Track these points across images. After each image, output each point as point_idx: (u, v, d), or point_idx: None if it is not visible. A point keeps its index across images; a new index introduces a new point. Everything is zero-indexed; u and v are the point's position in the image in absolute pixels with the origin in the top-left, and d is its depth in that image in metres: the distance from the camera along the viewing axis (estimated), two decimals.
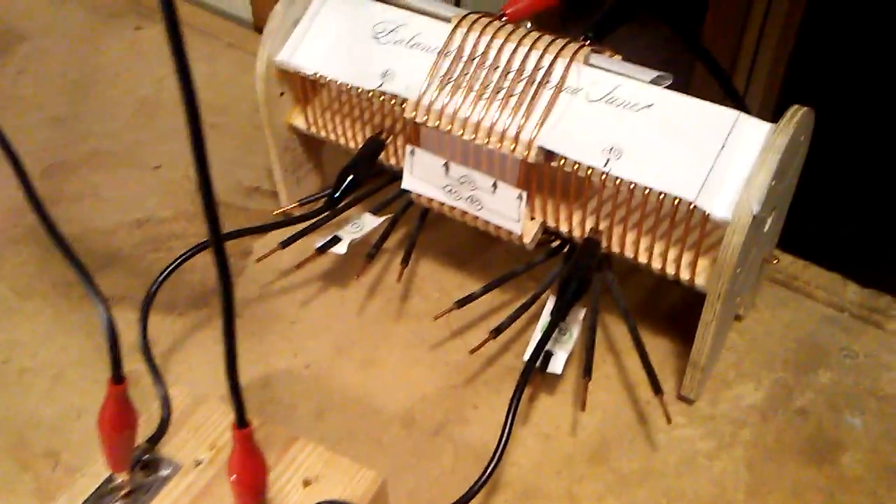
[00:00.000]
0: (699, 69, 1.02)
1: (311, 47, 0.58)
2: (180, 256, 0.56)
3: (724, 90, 0.67)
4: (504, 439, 0.46)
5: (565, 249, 0.57)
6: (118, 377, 0.39)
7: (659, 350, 0.58)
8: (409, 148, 0.54)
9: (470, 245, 0.65)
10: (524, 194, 0.51)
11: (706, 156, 0.47)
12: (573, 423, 0.53)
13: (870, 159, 1.00)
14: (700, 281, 0.49)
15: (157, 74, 0.85)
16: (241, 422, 0.36)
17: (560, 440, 0.52)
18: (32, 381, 0.56)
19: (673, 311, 0.61)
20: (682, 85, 0.50)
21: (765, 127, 0.46)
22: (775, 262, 0.54)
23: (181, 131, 0.27)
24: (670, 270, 0.50)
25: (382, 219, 0.60)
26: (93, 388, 0.55)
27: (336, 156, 0.63)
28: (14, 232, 0.67)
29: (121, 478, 0.44)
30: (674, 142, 0.48)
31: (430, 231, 0.66)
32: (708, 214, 0.46)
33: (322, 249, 0.57)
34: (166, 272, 0.55)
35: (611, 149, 0.48)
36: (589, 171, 0.49)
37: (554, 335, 0.52)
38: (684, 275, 0.50)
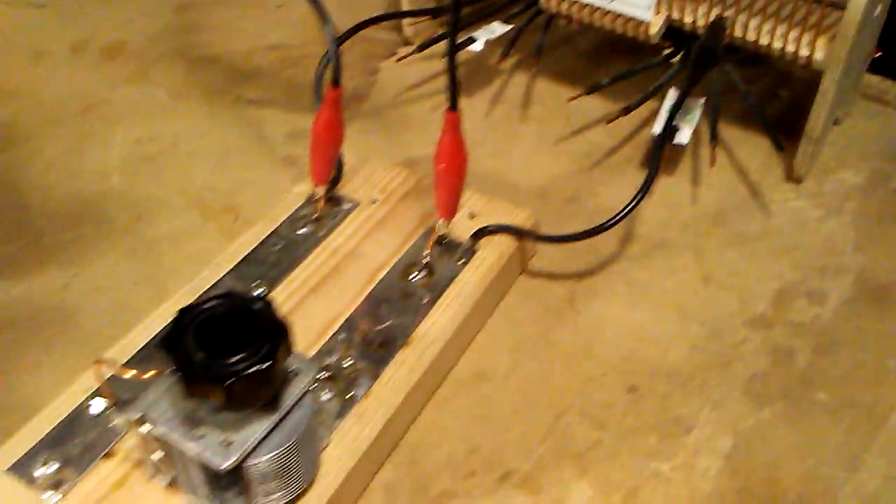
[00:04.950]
0: None
1: None
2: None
3: None
4: (650, 178, 0.51)
5: (679, 55, 0.63)
6: (336, 81, 0.45)
7: (760, 152, 0.63)
8: None
9: (582, 68, 0.71)
10: None
11: None
12: (693, 196, 0.59)
13: None
14: (819, 55, 0.55)
15: None
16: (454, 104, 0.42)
17: (682, 208, 0.58)
18: (201, 159, 0.62)
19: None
20: None
21: None
22: (878, 54, 0.60)
23: None
24: (790, 49, 0.56)
25: (511, 26, 0.65)
26: (259, 163, 0.62)
27: None
28: (157, 53, 0.72)
29: (318, 194, 0.50)
30: None
31: (545, 57, 0.71)
32: None
33: (459, 48, 0.63)
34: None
35: None
36: None
37: (678, 115, 0.57)
38: (803, 52, 0.55)
